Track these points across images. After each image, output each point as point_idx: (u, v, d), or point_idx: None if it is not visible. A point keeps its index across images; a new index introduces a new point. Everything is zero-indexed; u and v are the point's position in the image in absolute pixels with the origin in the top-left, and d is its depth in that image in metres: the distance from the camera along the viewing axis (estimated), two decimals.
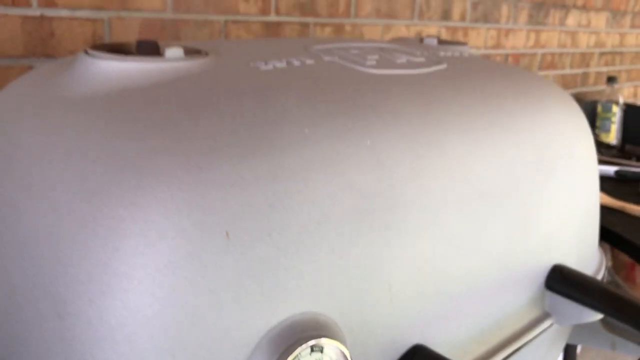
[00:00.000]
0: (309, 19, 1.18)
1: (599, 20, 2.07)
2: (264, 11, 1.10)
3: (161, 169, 0.31)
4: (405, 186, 0.39)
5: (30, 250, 0.33)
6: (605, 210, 0.84)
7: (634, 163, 1.04)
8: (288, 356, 0.32)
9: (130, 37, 0.93)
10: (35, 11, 0.84)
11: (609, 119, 2.05)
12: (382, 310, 0.38)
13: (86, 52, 0.41)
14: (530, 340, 0.51)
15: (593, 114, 2.05)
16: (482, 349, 0.46)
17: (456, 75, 0.50)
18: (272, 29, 1.12)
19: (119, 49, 0.44)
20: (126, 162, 0.32)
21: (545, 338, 0.53)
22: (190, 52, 0.43)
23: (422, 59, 0.52)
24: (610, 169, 0.97)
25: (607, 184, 0.94)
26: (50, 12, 0.85)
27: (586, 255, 0.60)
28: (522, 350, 0.51)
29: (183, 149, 0.32)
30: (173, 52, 0.41)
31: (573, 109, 0.58)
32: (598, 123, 2.05)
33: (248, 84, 0.39)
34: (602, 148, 1.85)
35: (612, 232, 0.76)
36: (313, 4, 1.17)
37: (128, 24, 0.93)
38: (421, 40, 0.66)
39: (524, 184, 0.48)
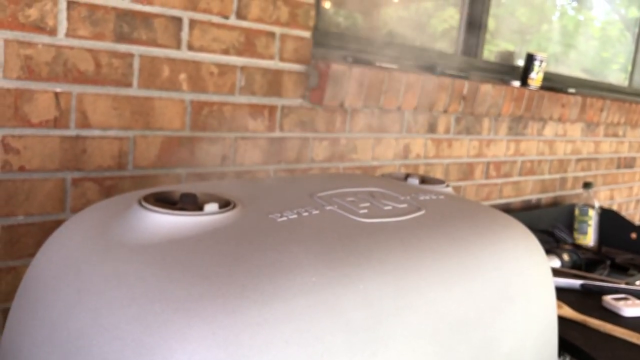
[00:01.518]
0: (309, 134, 1.32)
1: (575, 130, 2.25)
2: (270, 129, 1.24)
3: (205, 312, 0.42)
4: (389, 321, 0.49)
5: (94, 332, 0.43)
6: (568, 323, 0.94)
7: (599, 277, 1.15)
8: None
9: (152, 152, 1.06)
10: (72, 132, 0.96)
11: (585, 222, 2.18)
12: None
13: (140, 204, 0.53)
14: None
15: (571, 217, 2.19)
16: None
17: (432, 221, 0.62)
18: (276, 144, 1.26)
19: (164, 198, 0.56)
20: (178, 305, 0.43)
21: None
22: (223, 204, 0.54)
23: (404, 205, 0.64)
24: (576, 282, 1.08)
25: (572, 296, 1.05)
26: (84, 133, 0.98)
27: None
28: None
29: (221, 295, 0.43)
30: (210, 207, 0.53)
31: (531, 244, 0.70)
32: (576, 226, 2.18)
33: (269, 237, 0.50)
34: (580, 250, 1.97)
35: (573, 345, 0.86)
36: (312, 122, 1.32)
37: (151, 141, 1.06)
38: (406, 177, 0.79)
39: (487, 314, 0.59)
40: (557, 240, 2.01)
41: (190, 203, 0.54)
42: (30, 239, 0.95)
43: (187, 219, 0.51)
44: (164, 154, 1.08)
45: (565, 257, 1.80)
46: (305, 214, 0.56)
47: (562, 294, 1.05)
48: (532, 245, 0.69)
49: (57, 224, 0.97)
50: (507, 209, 2.00)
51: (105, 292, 0.46)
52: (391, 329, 0.49)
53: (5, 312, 0.94)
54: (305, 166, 1.32)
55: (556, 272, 1.10)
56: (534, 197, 2.15)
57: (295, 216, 0.55)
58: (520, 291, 0.64)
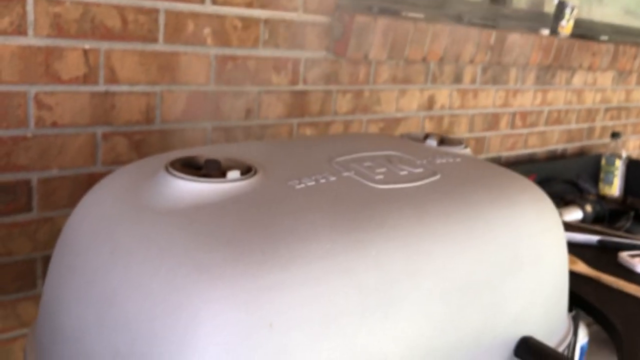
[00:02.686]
0: (332, 87, 1.33)
1: (605, 79, 2.20)
2: (293, 82, 1.25)
3: (228, 277, 0.45)
4: (400, 284, 0.52)
5: (130, 326, 0.47)
6: (581, 278, 0.96)
7: (617, 233, 1.16)
8: None
9: (179, 106, 1.09)
10: (101, 88, 0.99)
11: (612, 172, 2.17)
12: None
13: (167, 170, 0.56)
14: None
15: (597, 166, 2.18)
16: None
17: (446, 186, 0.64)
18: (300, 97, 1.27)
19: (190, 163, 0.59)
20: (203, 268, 0.46)
21: None
22: (245, 171, 0.57)
23: (420, 170, 0.66)
24: (594, 238, 1.10)
25: (589, 252, 1.07)
26: (113, 88, 1.01)
27: (554, 326, 0.73)
28: None
29: (242, 260, 0.47)
30: (232, 174, 0.55)
31: (545, 207, 0.71)
32: (602, 176, 2.17)
33: (287, 204, 0.53)
34: (604, 200, 1.96)
35: (585, 300, 0.89)
36: (336, 75, 1.32)
37: (177, 96, 1.09)
38: (425, 137, 0.80)
39: (496, 277, 0.61)
40: (581, 191, 2.00)
41: (214, 169, 0.57)
42: (64, 191, 0.99)
43: (210, 186, 0.54)
44: (189, 108, 1.11)
45: (588, 208, 1.80)
46: (323, 180, 0.58)
47: (579, 249, 1.07)
48: (546, 209, 0.71)
49: (89, 176, 1.01)
50: (532, 159, 2.00)
51: (136, 254, 0.50)
52: (402, 292, 0.52)
53: (45, 259, 1.00)
54: (329, 119, 1.34)
55: (573, 228, 1.12)
56: (559, 147, 2.14)
57: (313, 183, 0.57)
58: (531, 254, 0.66)
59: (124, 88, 1.02)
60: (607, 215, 1.82)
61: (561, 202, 1.79)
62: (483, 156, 1.81)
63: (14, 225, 0.96)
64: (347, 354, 0.48)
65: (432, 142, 0.77)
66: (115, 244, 0.52)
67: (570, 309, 0.89)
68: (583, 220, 1.75)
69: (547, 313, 0.71)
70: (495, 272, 0.61)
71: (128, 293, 0.49)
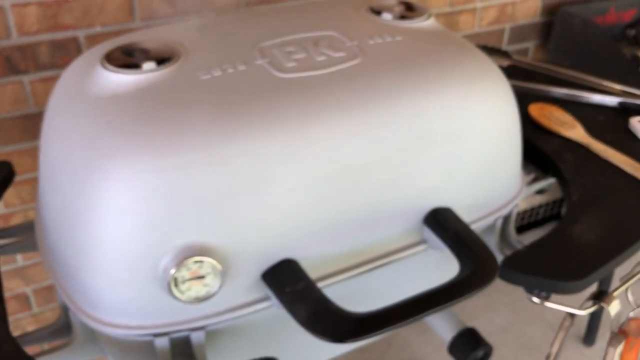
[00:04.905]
0: None
1: None
2: None
3: (117, 162, 0.58)
4: (275, 168, 0.62)
5: (59, 170, 0.63)
6: (571, 145, 0.96)
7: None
8: (180, 264, 0.59)
9: None
10: None
11: None
12: (258, 229, 0.63)
13: (101, 60, 0.67)
14: (403, 258, 0.73)
15: None
16: (352, 261, 0.70)
17: (359, 71, 0.68)
18: None
19: (130, 51, 0.69)
20: (104, 152, 0.59)
21: (423, 259, 0.75)
22: (166, 59, 0.66)
23: (342, 54, 0.70)
24: (614, 100, 1.05)
25: (603, 114, 1.03)
26: None
27: (490, 196, 0.78)
28: (399, 266, 0.73)
29: (127, 147, 0.59)
30: (147, 65, 0.65)
31: (483, 80, 0.73)
32: None
33: (184, 95, 0.63)
34: None
35: (558, 169, 0.90)
36: None
37: None
38: (388, 7, 0.81)
39: (396, 156, 0.67)
40: None
41: (143, 58, 0.67)
42: None
43: (126, 77, 0.65)
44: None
45: None
46: (231, 70, 0.66)
47: (593, 110, 1.04)
48: (486, 84, 0.73)
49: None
50: None
51: (66, 137, 0.64)
52: (277, 175, 0.61)
53: None
54: None
55: (593, 90, 1.07)
56: None
57: (219, 73, 0.65)
58: (449, 131, 0.70)
59: None
60: None
61: None
62: None
63: None
64: (223, 228, 0.60)
65: (388, 16, 0.79)
66: (55, 125, 0.66)
67: (546, 173, 0.92)
68: None
69: (475, 184, 0.76)
70: (395, 152, 0.67)
71: (60, 163, 0.63)
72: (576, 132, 0.97)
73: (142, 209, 0.58)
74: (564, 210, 1.69)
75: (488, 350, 0.91)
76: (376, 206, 0.69)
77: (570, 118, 0.99)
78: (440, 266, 0.80)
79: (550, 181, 0.94)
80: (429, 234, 0.73)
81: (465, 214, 0.74)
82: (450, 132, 0.70)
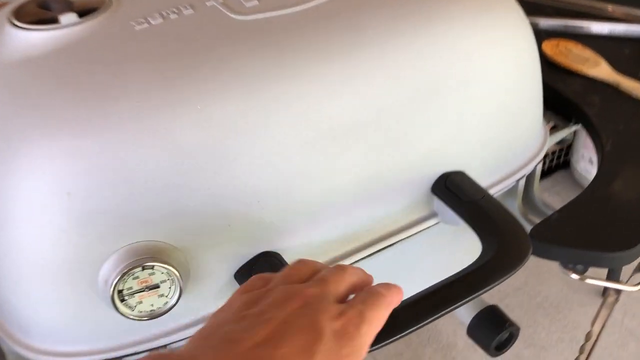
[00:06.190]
0: None
1: None
2: None
3: (27, 139, 0.44)
4: (234, 140, 0.47)
5: None
6: (596, 85, 0.81)
7: None
8: (124, 272, 0.45)
9: None
10: None
11: None
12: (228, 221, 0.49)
13: (8, 18, 0.52)
14: (409, 237, 0.60)
15: None
16: (346, 248, 0.56)
17: (341, 8, 0.53)
18: None
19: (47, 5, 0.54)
20: (27, 112, 0.45)
21: (433, 236, 0.62)
22: (91, 10, 0.51)
23: None
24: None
25: (630, 47, 0.89)
26: None
27: (505, 154, 0.64)
28: (404, 248, 0.60)
29: (39, 124, 0.44)
30: (66, 18, 0.50)
31: (493, 15, 0.58)
32: None
33: (113, 52, 0.48)
34: None
35: (584, 113, 0.76)
36: None
37: None
38: None
39: (392, 116, 0.53)
40: None
41: (62, 9, 0.52)
42: None
43: (41, 35, 0.50)
44: None
45: None
46: (174, 16, 0.51)
47: (618, 43, 0.89)
48: (499, 18, 0.58)
49: None
50: None
51: None
52: (241, 149, 0.47)
53: None
54: None
55: (615, 20, 0.93)
56: None
57: (159, 21, 0.51)
58: (456, 80, 0.56)
59: None
60: None
61: None
62: None
63: None
64: (176, 221, 0.47)
65: None
66: None
67: (568, 120, 0.79)
68: None
69: (492, 139, 0.62)
70: (391, 107, 0.53)
71: None
72: (601, 69, 0.83)
73: (67, 204, 0.44)
74: (574, 158, 1.56)
75: (515, 331, 0.78)
76: (371, 177, 0.55)
77: (592, 53, 0.85)
78: (454, 242, 0.67)
79: (573, 129, 0.81)
80: (440, 206, 0.59)
81: (482, 177, 0.61)
82: (459, 76, 0.56)
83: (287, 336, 0.32)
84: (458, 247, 0.67)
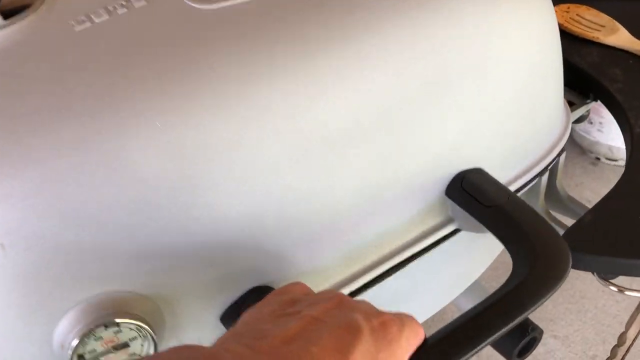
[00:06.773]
0: None
1: None
2: None
3: None
4: (215, 157, 0.38)
5: None
6: (616, 54, 0.73)
7: None
8: (83, 334, 0.37)
9: None
10: None
11: None
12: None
13: None
14: (428, 248, 0.51)
15: None
16: (350, 271, 0.48)
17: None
18: None
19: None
20: None
21: (456, 243, 0.53)
22: (13, 12, 0.42)
23: None
24: None
25: None
26: None
27: (525, 144, 0.56)
28: (426, 258, 0.52)
29: None
30: None
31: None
32: None
33: (47, 62, 0.38)
34: None
35: (605, 89, 0.67)
36: None
37: None
38: None
39: (395, 114, 0.45)
40: None
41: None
42: None
43: None
44: None
45: None
46: (123, 10, 0.41)
47: (633, 6, 0.80)
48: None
49: None
50: None
51: None
52: (211, 173, 0.38)
53: None
54: None
55: None
56: None
57: (105, 18, 0.41)
58: (472, 63, 0.47)
59: None
60: None
61: None
62: None
63: None
64: (142, 263, 0.38)
65: None
66: None
67: (585, 96, 0.70)
68: None
69: (511, 129, 0.53)
70: (396, 103, 0.44)
71: None
72: (619, 36, 0.74)
73: (2, 260, 0.35)
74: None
75: (538, 335, 0.71)
76: (377, 186, 0.46)
77: (608, 19, 0.76)
78: (470, 248, 0.59)
79: (591, 106, 0.72)
80: (457, 210, 0.51)
81: (502, 172, 0.53)
82: (475, 59, 0.47)
83: (322, 333, 0.30)
84: (475, 253, 0.59)
